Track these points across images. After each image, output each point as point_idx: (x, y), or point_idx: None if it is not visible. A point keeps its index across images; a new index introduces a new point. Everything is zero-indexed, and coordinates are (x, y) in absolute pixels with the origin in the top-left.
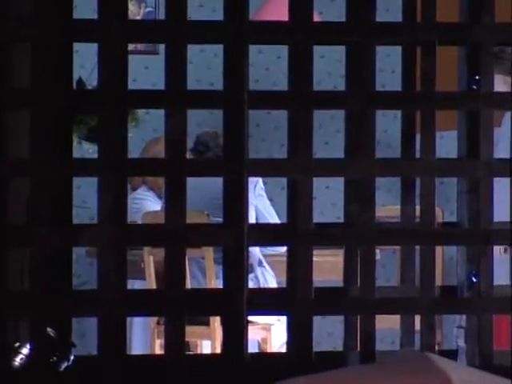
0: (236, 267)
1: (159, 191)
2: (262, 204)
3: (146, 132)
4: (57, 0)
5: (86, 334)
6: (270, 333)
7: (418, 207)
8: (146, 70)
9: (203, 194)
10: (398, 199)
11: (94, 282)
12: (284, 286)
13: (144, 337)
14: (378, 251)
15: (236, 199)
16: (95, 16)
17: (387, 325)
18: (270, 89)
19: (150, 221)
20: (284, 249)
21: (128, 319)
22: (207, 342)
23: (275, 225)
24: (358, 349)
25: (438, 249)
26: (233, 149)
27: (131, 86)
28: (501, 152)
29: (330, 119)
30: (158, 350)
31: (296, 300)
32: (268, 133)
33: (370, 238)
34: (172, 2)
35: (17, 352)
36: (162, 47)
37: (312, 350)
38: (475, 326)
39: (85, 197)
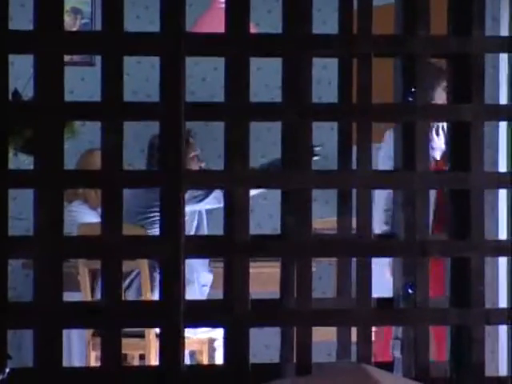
0: (173, 279)
1: (94, 204)
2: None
3: (82, 144)
4: None
5: (21, 347)
6: (205, 345)
7: (354, 219)
8: (82, 81)
9: (139, 206)
10: (335, 211)
11: (29, 295)
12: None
13: (83, 348)
14: (314, 263)
15: (173, 211)
16: (31, 27)
17: (324, 336)
18: (206, 100)
19: (86, 233)
20: None
21: (67, 331)
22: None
23: (212, 236)
24: (295, 360)
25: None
26: (169, 160)
27: (67, 97)
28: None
29: (266, 131)
30: (94, 362)
31: (232, 312)
32: (205, 144)
33: (307, 249)
34: (108, 13)
35: None
36: (98, 58)
37: (249, 362)
38: (411, 338)
39: (21, 208)
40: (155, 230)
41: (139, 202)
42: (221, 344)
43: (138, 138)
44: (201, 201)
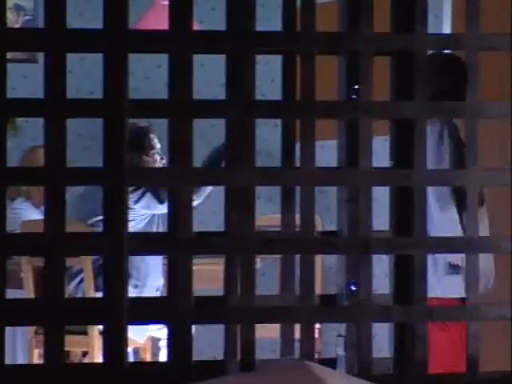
0: (116, 276)
1: (37, 201)
2: None
3: (24, 140)
4: None
5: None
6: (149, 342)
7: (298, 216)
8: (24, 78)
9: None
10: (279, 208)
11: None
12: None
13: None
14: (258, 260)
15: (116, 208)
16: None
17: (267, 333)
18: (150, 97)
19: (29, 230)
20: None
21: (11, 328)
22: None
23: (155, 233)
24: (238, 358)
25: (318, 257)
26: (113, 158)
27: (10, 94)
28: None
29: (210, 128)
30: (37, 359)
31: (176, 309)
32: None
33: (250, 246)
34: (51, 10)
35: None
36: (41, 55)
37: (192, 359)
38: (354, 335)
39: None
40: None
41: (95, 203)
42: (165, 344)
43: (81, 135)
44: (136, 202)
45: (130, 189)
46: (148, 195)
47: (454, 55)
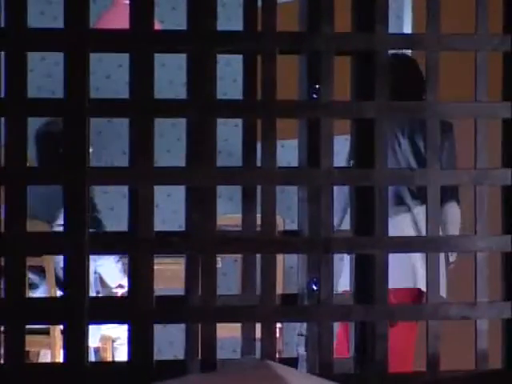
0: (77, 276)
1: None
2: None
3: None
4: None
5: None
6: (109, 341)
7: (259, 216)
8: None
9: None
10: (239, 208)
11: None
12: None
13: None
14: (219, 259)
15: (76, 208)
16: None
17: (228, 333)
18: (111, 97)
19: None
20: None
21: None
22: (47, 351)
23: (116, 233)
24: (199, 357)
25: (279, 257)
26: (73, 157)
27: None
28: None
29: (171, 127)
30: None
31: (137, 308)
32: (110, 141)
33: (211, 246)
34: (11, 9)
35: None
36: (2, 54)
37: (153, 359)
38: (315, 334)
39: None
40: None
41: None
42: (122, 343)
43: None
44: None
45: None
46: None
47: (409, 57)
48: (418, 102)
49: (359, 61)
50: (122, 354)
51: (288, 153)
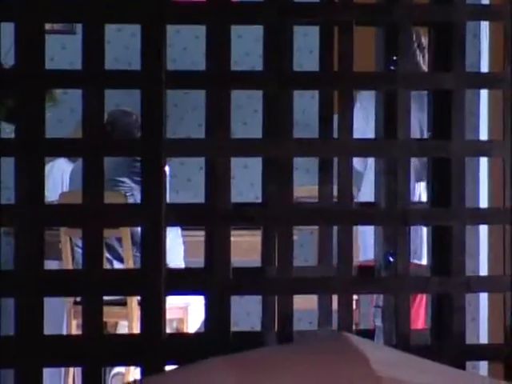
0: (154, 247)
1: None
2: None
3: (63, 112)
4: None
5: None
6: (186, 313)
7: (335, 187)
8: (63, 49)
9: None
10: (316, 179)
11: (11, 263)
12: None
13: (57, 316)
14: (295, 231)
15: (154, 179)
16: None
17: (305, 305)
18: (187, 69)
19: (67, 201)
20: None
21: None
22: (125, 322)
23: (193, 205)
24: (276, 329)
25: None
26: (151, 129)
27: (48, 65)
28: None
29: (247, 99)
30: (75, 330)
31: (214, 280)
32: (186, 113)
33: (288, 218)
34: None
35: None
36: (79, 27)
37: (230, 330)
38: (392, 306)
39: (3, 177)
40: (134, 198)
41: (119, 170)
42: (194, 309)
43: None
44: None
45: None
46: None
47: None
48: (499, 72)
49: (437, 32)
50: (193, 320)
51: None
